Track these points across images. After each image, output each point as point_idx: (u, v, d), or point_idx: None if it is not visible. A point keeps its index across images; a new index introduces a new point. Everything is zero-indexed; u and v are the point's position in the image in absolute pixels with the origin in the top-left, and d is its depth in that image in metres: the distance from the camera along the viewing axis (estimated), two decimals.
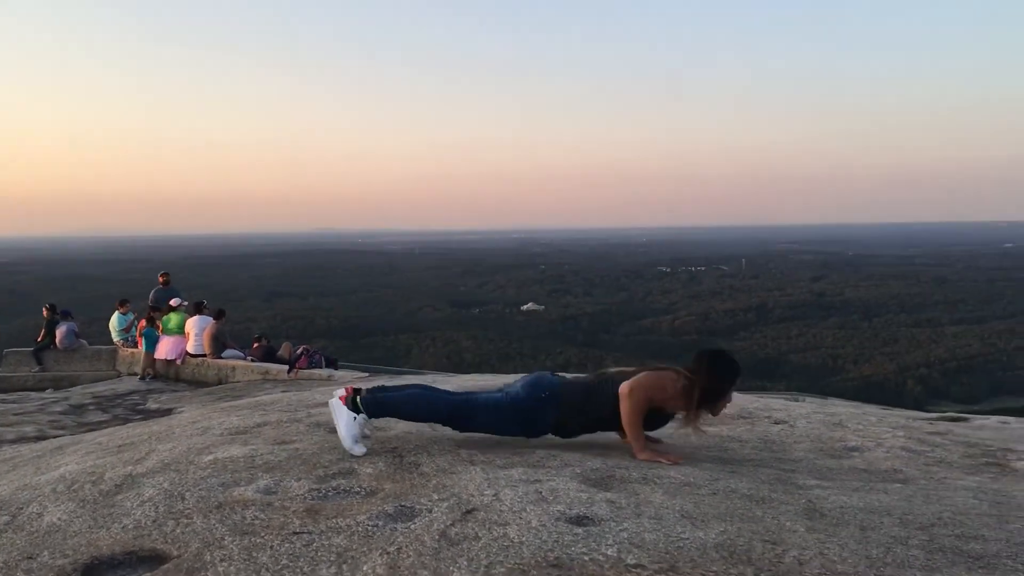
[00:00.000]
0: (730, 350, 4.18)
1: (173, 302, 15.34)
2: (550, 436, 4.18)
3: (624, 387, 3.92)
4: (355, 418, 3.95)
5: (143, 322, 15.12)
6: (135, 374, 14.81)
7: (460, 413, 4.09)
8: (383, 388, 4.20)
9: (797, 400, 7.49)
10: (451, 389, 4.37)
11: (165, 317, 15.02)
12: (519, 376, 4.43)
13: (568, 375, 4.41)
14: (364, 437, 3.99)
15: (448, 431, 4.22)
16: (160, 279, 16.73)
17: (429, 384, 4.43)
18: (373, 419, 4.05)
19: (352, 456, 3.84)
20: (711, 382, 3.93)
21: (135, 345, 15.36)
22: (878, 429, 4.93)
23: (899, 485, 3.57)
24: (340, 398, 4.03)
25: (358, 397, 4.01)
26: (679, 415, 4.09)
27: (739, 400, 6.18)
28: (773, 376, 54.52)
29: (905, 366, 58.68)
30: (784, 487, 3.38)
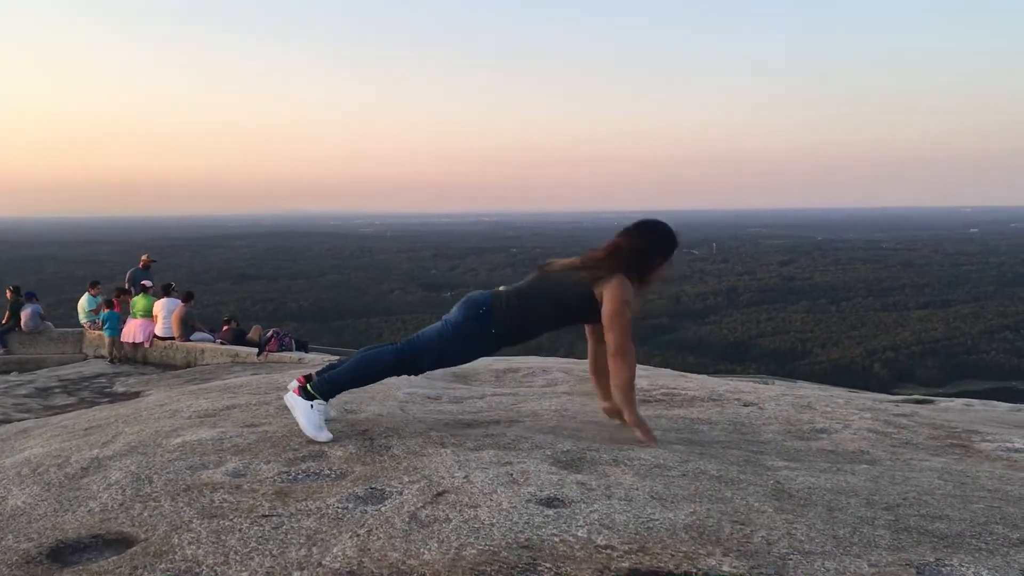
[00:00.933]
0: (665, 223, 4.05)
1: (146, 283, 15.18)
2: (504, 351, 4.12)
3: (611, 342, 3.85)
4: (312, 406, 3.90)
5: (104, 306, 14.95)
6: (102, 356, 14.65)
7: (407, 358, 4.00)
8: (330, 367, 4.14)
9: (766, 383, 7.56)
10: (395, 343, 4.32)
11: (133, 300, 14.86)
12: (488, 364, 4.41)
13: (539, 366, 4.38)
14: (329, 420, 3.96)
15: (417, 411, 4.20)
16: (142, 261, 16.55)
17: (370, 345, 4.36)
18: (331, 400, 4.01)
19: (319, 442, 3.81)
20: (640, 248, 3.91)
21: (101, 327, 15.20)
22: (845, 411, 4.99)
23: (866, 466, 3.61)
24: (294, 391, 3.99)
25: (309, 384, 3.96)
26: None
27: (709, 383, 6.22)
28: (743, 359, 55.06)
29: (872, 350, 59.44)
30: (753, 468, 3.40)
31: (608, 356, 3.91)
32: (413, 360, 4.02)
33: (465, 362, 4.11)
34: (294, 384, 4.00)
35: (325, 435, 3.83)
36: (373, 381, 4.21)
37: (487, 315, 3.97)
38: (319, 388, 3.94)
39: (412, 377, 4.49)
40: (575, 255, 4.13)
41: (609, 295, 3.86)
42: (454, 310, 4.08)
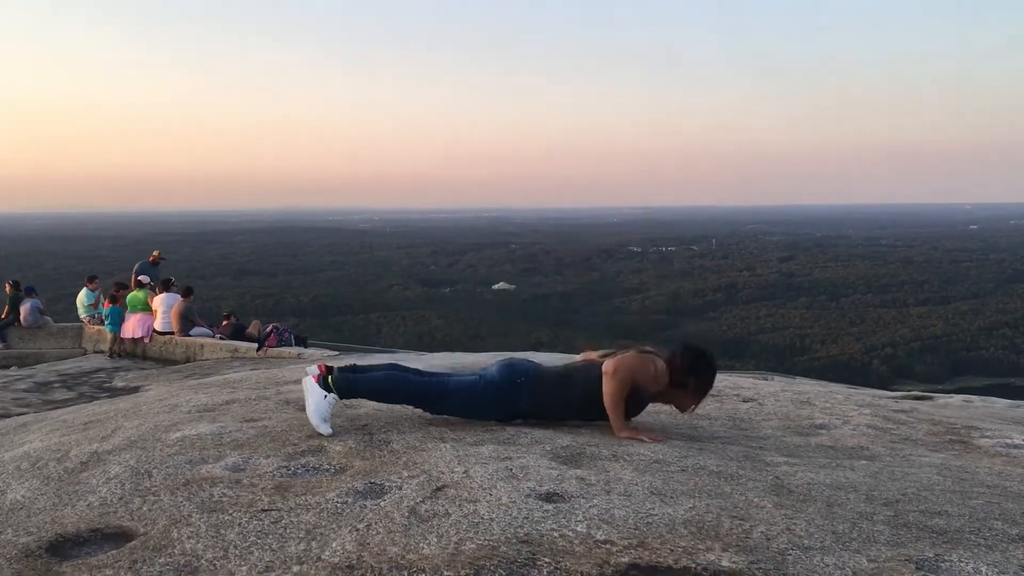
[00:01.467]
0: (710, 352, 4.20)
1: (143, 279, 15.18)
2: (519, 421, 4.18)
3: (609, 365, 3.92)
4: (325, 397, 3.91)
5: (107, 301, 14.94)
6: (101, 351, 14.64)
7: (432, 395, 4.06)
8: (355, 368, 4.16)
9: (766, 379, 7.56)
10: (422, 368, 4.35)
11: (131, 294, 14.86)
12: (493, 358, 4.41)
13: (544, 361, 4.39)
14: (332, 415, 3.97)
15: (419, 410, 4.20)
16: (152, 256, 16.52)
17: (401, 364, 4.40)
18: (343, 399, 4.03)
19: (320, 434, 3.82)
20: (687, 379, 4.02)
21: (101, 322, 15.19)
22: (845, 407, 4.99)
23: (865, 462, 3.61)
24: (313, 377, 3.99)
25: (330, 377, 3.97)
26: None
27: None
28: (742, 356, 55.03)
29: (871, 346, 59.39)
30: (752, 464, 3.41)
31: (604, 371, 3.96)
32: (436, 399, 4.07)
33: (479, 420, 4.11)
34: (314, 370, 4.02)
35: (327, 428, 3.84)
36: (391, 402, 4.23)
37: (523, 388, 4.02)
38: (339, 385, 3.96)
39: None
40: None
41: (624, 357, 3.97)
42: (492, 367, 4.11)
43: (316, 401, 3.91)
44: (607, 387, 3.90)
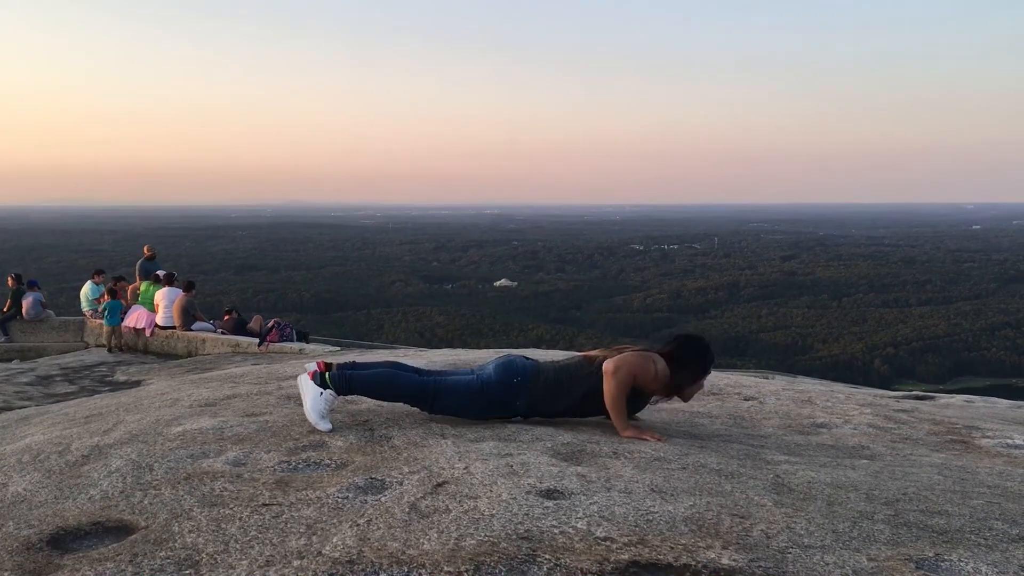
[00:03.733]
0: (703, 335, 4.26)
1: (159, 273, 15.25)
2: (518, 419, 4.18)
3: (609, 364, 3.91)
4: (321, 394, 3.90)
5: (106, 295, 14.96)
6: (103, 345, 14.66)
7: (428, 394, 4.05)
8: (353, 365, 4.16)
9: (767, 377, 7.56)
10: (420, 366, 4.35)
11: (144, 286, 14.96)
12: (494, 355, 4.42)
13: (540, 358, 4.39)
14: (330, 411, 3.97)
15: (415, 409, 4.20)
16: (145, 251, 16.61)
17: (399, 361, 4.40)
18: (341, 396, 4.02)
19: (319, 431, 3.82)
20: (688, 367, 4.05)
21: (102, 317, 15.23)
22: (846, 406, 4.99)
23: (866, 461, 3.61)
24: (309, 374, 3.99)
25: (327, 373, 3.97)
26: (655, 398, 4.17)
27: (710, 377, 6.22)
28: (744, 354, 55.03)
29: (873, 345, 59.36)
30: (753, 462, 3.41)
31: (604, 370, 3.95)
32: (434, 397, 4.06)
33: (477, 420, 4.10)
34: (312, 367, 4.02)
35: (326, 424, 3.83)
36: (388, 399, 4.22)
37: (519, 388, 4.02)
38: (336, 382, 3.95)
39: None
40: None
41: (624, 356, 3.97)
42: (490, 367, 4.12)
43: (312, 398, 3.91)
44: (608, 387, 3.90)
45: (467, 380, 4.09)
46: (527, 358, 4.23)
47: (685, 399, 4.26)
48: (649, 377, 3.95)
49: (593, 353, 4.22)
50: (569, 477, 3.00)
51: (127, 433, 3.93)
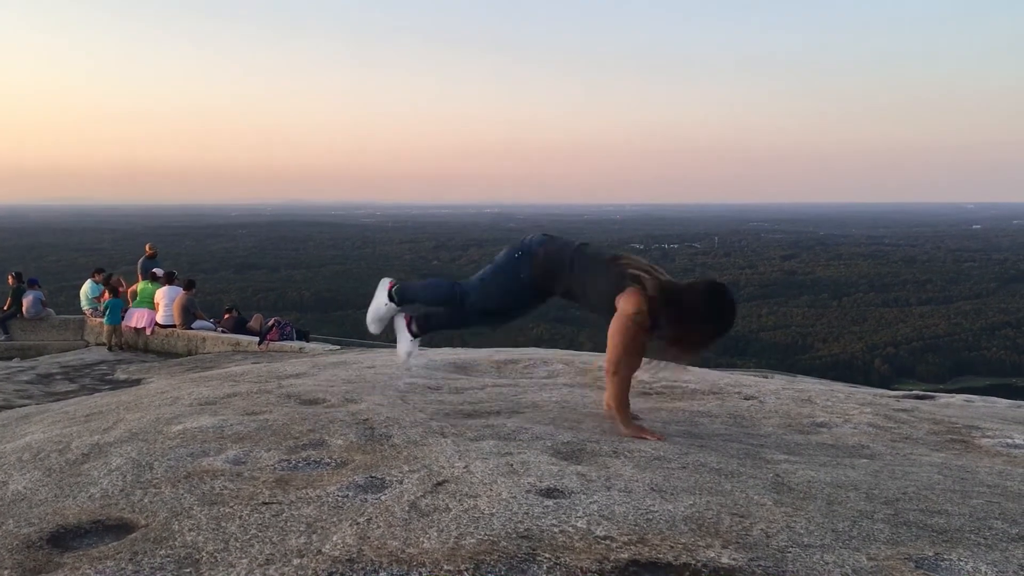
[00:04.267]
0: (733, 297, 3.68)
1: (156, 272, 15.25)
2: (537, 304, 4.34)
3: (609, 363, 3.81)
4: (411, 340, 4.56)
5: (107, 294, 14.97)
6: (103, 344, 14.67)
7: (459, 291, 4.36)
8: (410, 283, 4.72)
9: (767, 377, 7.56)
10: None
11: (143, 285, 14.95)
12: (490, 355, 4.49)
13: (543, 356, 4.41)
14: (332, 407, 4.02)
15: (417, 400, 4.22)
16: (147, 250, 16.64)
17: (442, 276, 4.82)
18: (401, 307, 4.56)
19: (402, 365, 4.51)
20: (692, 306, 3.63)
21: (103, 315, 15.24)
22: (846, 406, 4.99)
23: (866, 460, 3.61)
24: (389, 284, 4.61)
25: (392, 289, 4.55)
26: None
27: (710, 376, 6.23)
28: (744, 353, 55.02)
29: (873, 345, 59.35)
30: (753, 461, 3.41)
31: (605, 369, 3.89)
32: (463, 295, 4.33)
33: (506, 307, 4.31)
34: (386, 282, 4.60)
35: (407, 362, 4.68)
36: (432, 302, 4.62)
37: (521, 260, 4.06)
38: (397, 293, 4.56)
39: (413, 367, 5.09)
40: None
41: (622, 304, 3.71)
42: (501, 252, 4.29)
43: (405, 342, 4.58)
44: (609, 386, 3.88)
45: (483, 270, 4.37)
46: (547, 235, 4.25)
47: (679, 361, 3.95)
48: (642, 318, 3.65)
49: (623, 261, 3.86)
50: (569, 476, 3.00)
51: (127, 431, 3.93)
